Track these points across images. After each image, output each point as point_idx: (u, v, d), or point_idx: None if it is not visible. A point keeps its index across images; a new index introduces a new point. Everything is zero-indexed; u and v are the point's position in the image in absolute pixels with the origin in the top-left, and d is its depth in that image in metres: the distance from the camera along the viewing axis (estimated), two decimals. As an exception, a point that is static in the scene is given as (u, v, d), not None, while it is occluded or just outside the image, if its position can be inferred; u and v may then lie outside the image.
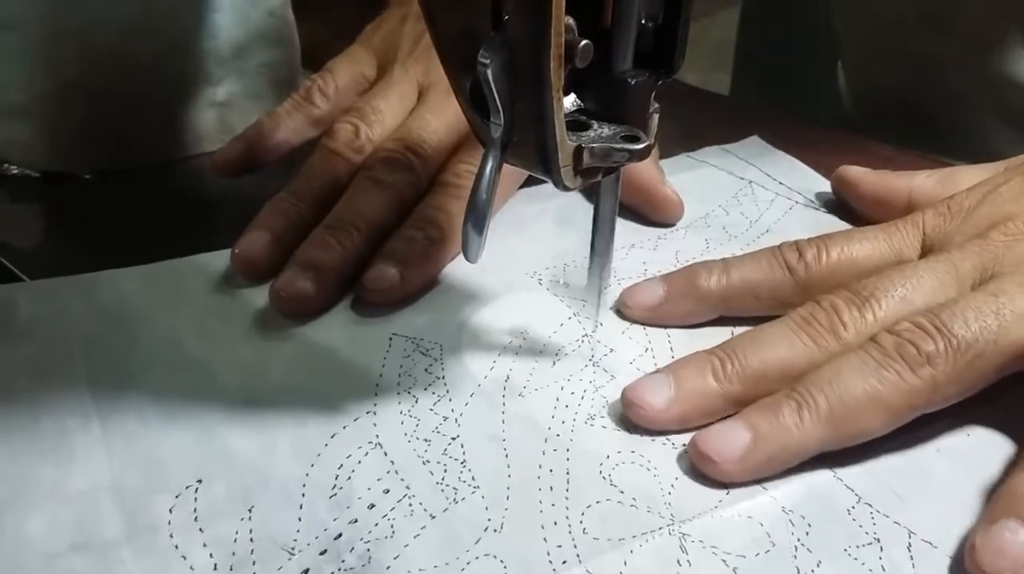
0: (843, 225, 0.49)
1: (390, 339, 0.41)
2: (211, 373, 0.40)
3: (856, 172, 0.50)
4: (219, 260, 0.45)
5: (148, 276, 0.45)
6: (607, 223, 0.38)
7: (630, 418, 0.37)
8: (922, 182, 0.47)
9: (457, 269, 0.45)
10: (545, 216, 0.50)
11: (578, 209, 0.50)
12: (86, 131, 0.53)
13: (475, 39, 0.31)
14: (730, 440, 0.34)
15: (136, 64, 0.53)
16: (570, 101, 0.34)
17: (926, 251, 0.41)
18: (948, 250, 0.40)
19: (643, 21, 0.34)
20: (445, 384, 0.39)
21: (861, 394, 0.35)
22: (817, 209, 0.51)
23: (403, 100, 0.50)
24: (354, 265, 0.43)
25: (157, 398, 0.38)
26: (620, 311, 0.43)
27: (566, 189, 0.34)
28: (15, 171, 0.54)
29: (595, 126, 0.34)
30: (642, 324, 0.42)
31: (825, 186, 0.52)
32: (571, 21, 0.31)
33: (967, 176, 0.46)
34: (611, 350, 0.41)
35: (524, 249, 0.47)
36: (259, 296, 0.43)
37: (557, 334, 0.42)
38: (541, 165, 0.33)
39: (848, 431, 0.35)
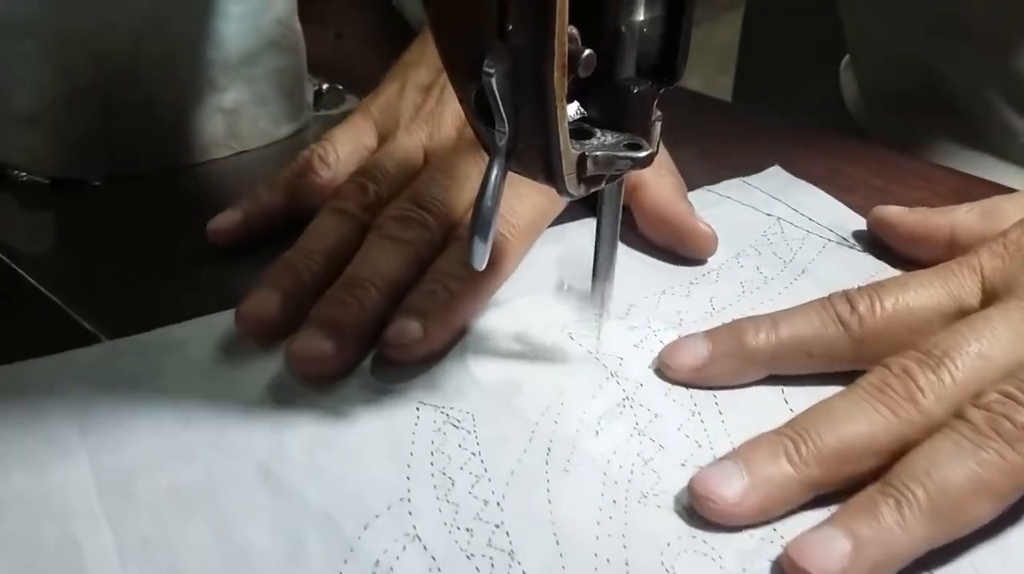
0: (880, 263, 0.48)
1: (417, 409, 0.38)
2: (226, 457, 0.36)
3: (894, 213, 0.48)
4: (222, 322, 0.42)
5: (147, 346, 0.41)
6: (609, 233, 0.39)
7: (701, 513, 0.34)
8: (963, 217, 0.46)
9: (482, 326, 0.43)
10: (569, 262, 0.47)
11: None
12: (96, 137, 0.53)
13: (480, 49, 0.31)
14: (828, 551, 0.31)
15: (145, 71, 0.53)
16: (573, 109, 0.35)
17: (987, 296, 0.39)
18: (1017, 295, 0.37)
19: (645, 30, 0.34)
20: (482, 461, 0.36)
21: (963, 481, 0.32)
22: (851, 247, 0.49)
23: (410, 161, 0.48)
24: (373, 323, 0.41)
25: (169, 491, 0.34)
26: (660, 371, 0.40)
27: (570, 196, 0.34)
28: (24, 177, 0.54)
29: (598, 134, 0.34)
30: (685, 386, 0.40)
31: (854, 220, 0.51)
32: (574, 31, 0.31)
33: (1009, 207, 0.45)
34: (656, 415, 0.38)
35: (551, 299, 0.44)
36: (270, 364, 0.40)
37: (596, 398, 0.39)
38: (545, 173, 0.33)
39: (955, 524, 0.32)
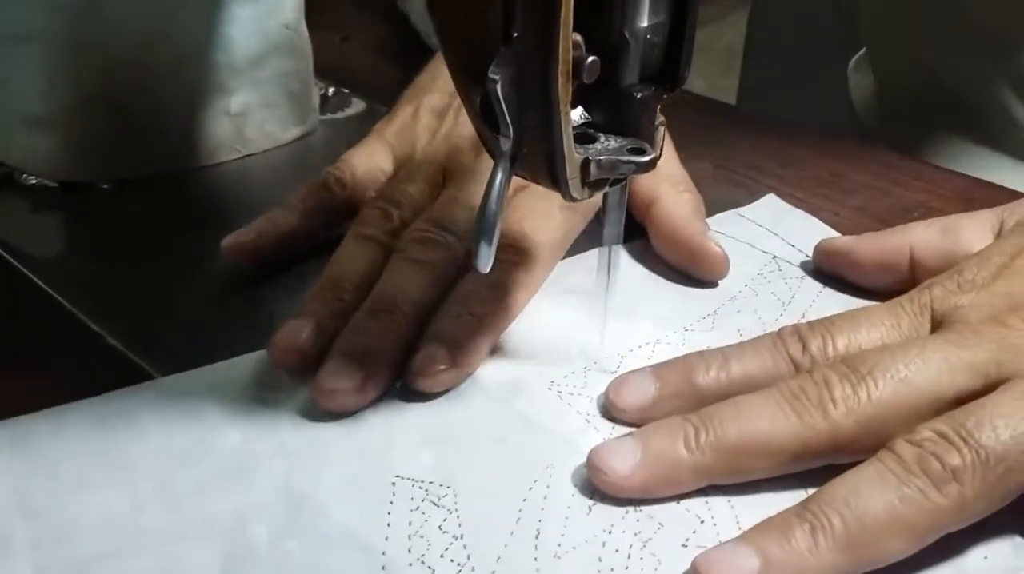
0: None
1: (393, 484, 0.35)
2: (185, 548, 0.33)
3: (845, 242, 0.46)
4: (177, 385, 0.39)
5: (93, 413, 0.37)
6: (613, 236, 0.39)
7: (593, 483, 0.34)
8: (922, 235, 0.44)
9: (463, 383, 0.40)
10: (557, 304, 0.44)
11: (588, 293, 0.43)
12: (104, 141, 0.54)
13: (485, 55, 0.32)
14: (736, 567, 0.31)
15: (153, 75, 0.53)
16: (577, 114, 0.35)
17: (936, 328, 0.38)
18: (962, 332, 0.36)
19: (649, 36, 0.34)
20: (465, 547, 0.33)
21: (881, 514, 0.31)
22: (851, 294, 0.45)
23: (430, 184, 0.48)
24: (401, 349, 0.40)
25: None
26: (606, 409, 0.38)
27: (573, 200, 0.35)
28: (33, 181, 0.54)
29: (602, 139, 0.35)
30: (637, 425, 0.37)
31: None
32: (579, 38, 0.32)
33: (969, 224, 0.43)
34: None
35: (535, 351, 0.41)
36: (229, 434, 0.37)
37: (587, 469, 0.35)
38: (549, 177, 0.34)
39: (867, 556, 0.31)
